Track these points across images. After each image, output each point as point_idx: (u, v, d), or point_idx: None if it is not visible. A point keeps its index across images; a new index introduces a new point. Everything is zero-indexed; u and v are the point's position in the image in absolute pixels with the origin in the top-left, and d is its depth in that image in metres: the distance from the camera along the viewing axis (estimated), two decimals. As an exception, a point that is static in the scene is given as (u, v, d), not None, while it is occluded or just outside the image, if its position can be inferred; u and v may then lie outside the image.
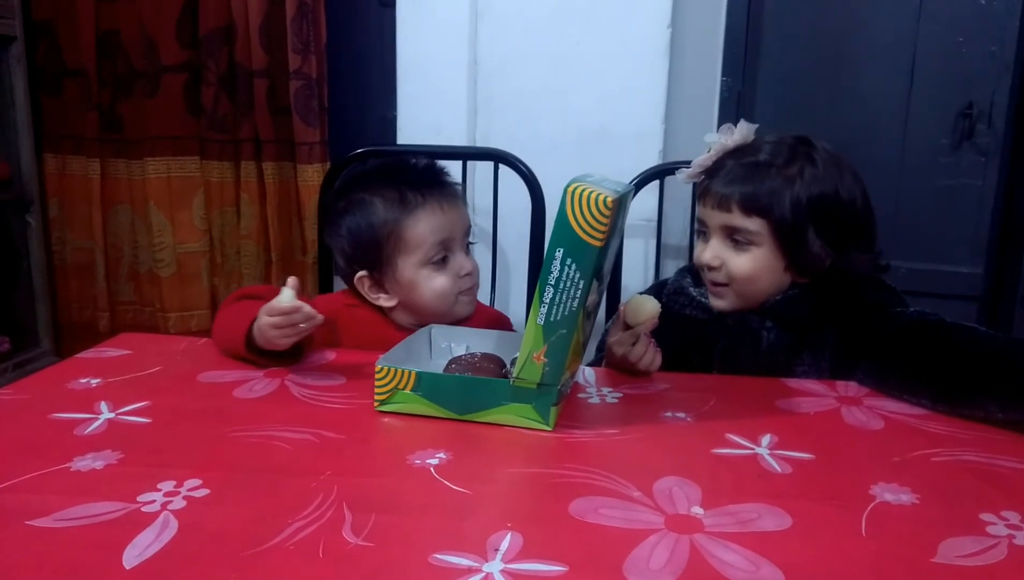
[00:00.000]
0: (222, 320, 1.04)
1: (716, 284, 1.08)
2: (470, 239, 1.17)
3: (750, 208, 1.03)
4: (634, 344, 0.97)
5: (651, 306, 0.96)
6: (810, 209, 1.03)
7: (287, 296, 0.92)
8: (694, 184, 1.15)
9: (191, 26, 2.01)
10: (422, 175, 1.15)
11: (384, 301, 1.14)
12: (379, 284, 1.13)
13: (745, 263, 1.05)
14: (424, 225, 1.10)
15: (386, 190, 1.11)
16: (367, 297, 1.14)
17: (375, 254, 1.11)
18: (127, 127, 2.10)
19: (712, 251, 1.07)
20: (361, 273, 1.13)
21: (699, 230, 1.11)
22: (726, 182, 1.05)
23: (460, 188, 1.19)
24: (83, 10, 2.01)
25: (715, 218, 1.06)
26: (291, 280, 0.95)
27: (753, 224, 1.04)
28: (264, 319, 0.94)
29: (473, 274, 1.15)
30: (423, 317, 1.11)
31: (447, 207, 1.12)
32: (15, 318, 2.18)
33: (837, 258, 1.06)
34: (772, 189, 1.03)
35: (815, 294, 1.07)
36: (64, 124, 2.14)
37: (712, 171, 1.08)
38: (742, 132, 1.08)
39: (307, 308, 0.92)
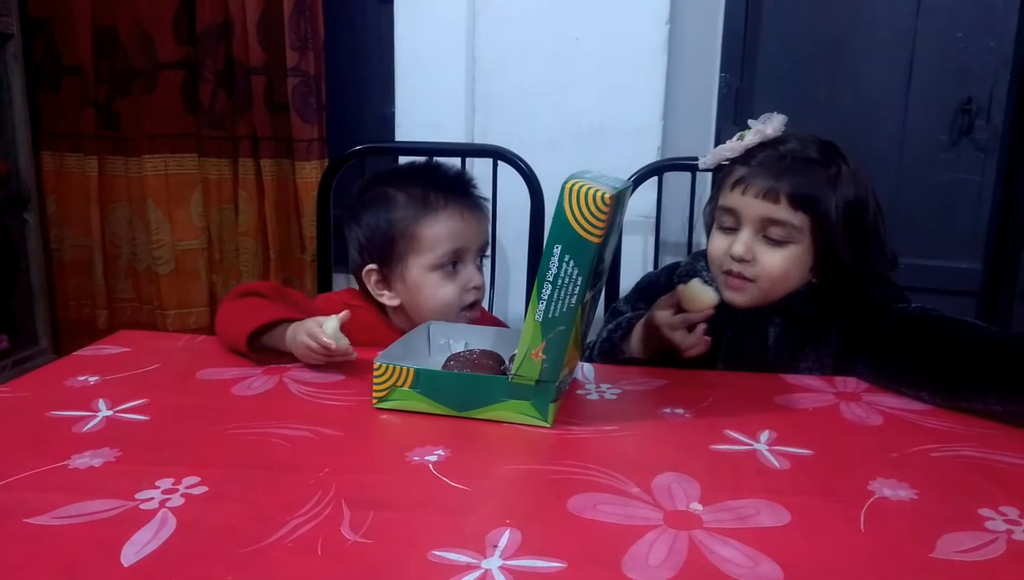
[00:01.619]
0: (226, 316, 1.04)
1: (739, 277, 1.04)
2: (485, 254, 1.16)
3: (798, 202, 1.00)
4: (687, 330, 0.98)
5: (708, 297, 0.97)
6: (846, 210, 1.01)
7: (331, 328, 0.92)
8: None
9: (188, 23, 2.01)
10: (450, 180, 1.15)
11: (387, 299, 1.13)
12: (386, 280, 1.13)
13: (778, 260, 1.02)
14: (441, 228, 1.09)
15: (411, 188, 1.11)
16: (372, 292, 1.14)
17: (388, 249, 1.11)
18: (125, 124, 2.10)
19: (744, 244, 1.02)
20: (371, 266, 1.13)
21: (723, 222, 1.06)
22: (775, 173, 1.00)
23: (487, 203, 1.18)
24: (80, 7, 2.01)
25: (755, 208, 1.01)
26: (344, 313, 0.94)
27: (798, 219, 1.00)
28: (302, 338, 0.93)
29: (481, 289, 1.14)
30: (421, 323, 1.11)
31: (468, 216, 1.11)
32: (13, 316, 2.18)
33: (857, 261, 1.04)
34: (819, 185, 1.01)
35: (824, 291, 1.06)
36: (61, 121, 2.14)
37: (742, 160, 1.04)
38: (780, 122, 1.05)
39: (346, 345, 0.92)
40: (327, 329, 0.92)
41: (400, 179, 1.14)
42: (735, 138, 1.06)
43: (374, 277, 1.13)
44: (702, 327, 0.98)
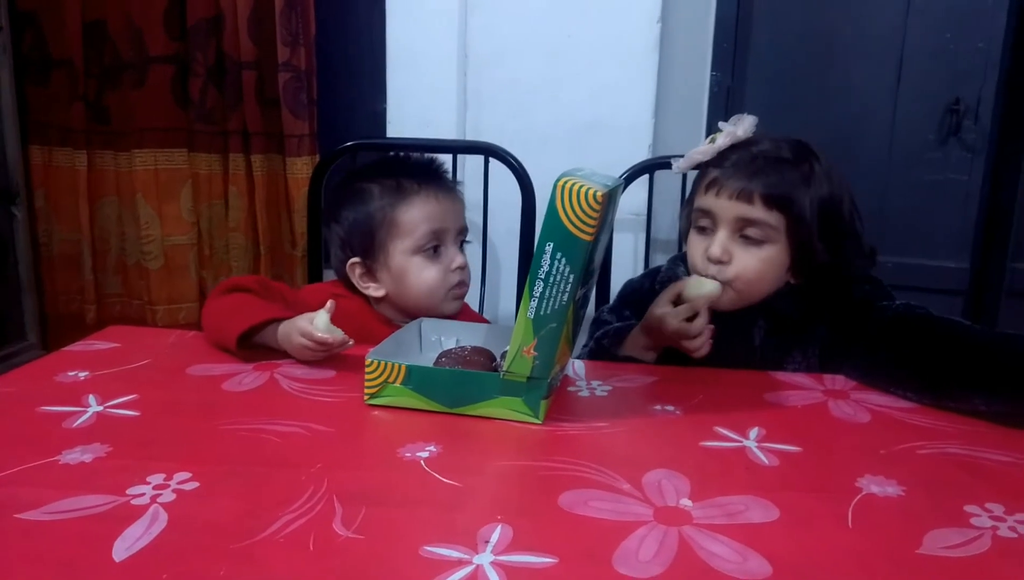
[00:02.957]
0: (213, 313, 1.04)
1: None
2: (465, 239, 1.18)
3: (772, 202, 1.00)
4: (691, 321, 0.99)
5: (712, 286, 1.00)
6: (820, 209, 1.02)
7: (322, 322, 0.93)
8: (683, 175, 1.13)
9: (179, 16, 2.00)
10: (421, 166, 1.17)
11: (373, 290, 1.14)
12: (370, 272, 1.14)
13: (754, 261, 1.02)
14: (418, 211, 1.11)
15: (384, 179, 1.14)
16: (357, 285, 1.15)
17: (369, 239, 1.12)
18: (114, 118, 2.08)
19: (721, 245, 1.02)
20: (354, 259, 1.14)
21: (699, 223, 1.06)
22: (748, 174, 1.01)
23: (460, 187, 1.20)
24: (69, 0, 1.99)
25: (730, 210, 1.01)
26: (329, 304, 0.95)
27: (773, 218, 1.01)
28: (297, 339, 0.94)
29: (464, 269, 1.15)
30: (409, 312, 1.12)
31: (443, 198, 1.14)
32: (1, 311, 2.17)
33: (833, 260, 1.04)
34: (793, 184, 1.01)
35: (807, 291, 1.06)
36: (50, 115, 2.12)
37: (716, 162, 1.04)
38: (751, 124, 1.05)
39: (341, 336, 0.93)
40: (319, 325, 0.93)
41: (372, 172, 1.16)
42: (707, 141, 1.06)
43: (358, 270, 1.14)
44: (710, 328, 1.00)
